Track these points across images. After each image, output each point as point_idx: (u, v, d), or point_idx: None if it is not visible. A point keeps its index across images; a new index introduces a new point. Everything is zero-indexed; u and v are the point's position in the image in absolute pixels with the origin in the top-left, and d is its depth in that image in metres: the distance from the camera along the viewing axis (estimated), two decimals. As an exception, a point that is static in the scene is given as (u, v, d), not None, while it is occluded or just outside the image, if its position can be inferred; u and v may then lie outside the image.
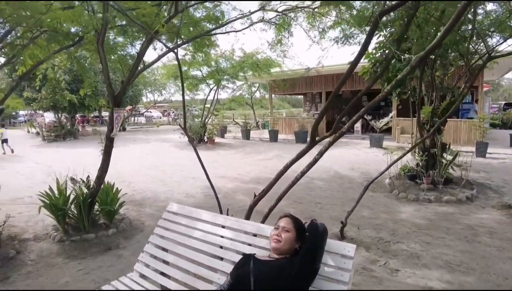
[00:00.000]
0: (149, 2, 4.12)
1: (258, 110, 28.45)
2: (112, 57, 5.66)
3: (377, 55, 5.05)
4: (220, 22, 5.08)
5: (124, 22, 4.45)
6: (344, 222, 4.31)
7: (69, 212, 4.66)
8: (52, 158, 12.41)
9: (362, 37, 5.77)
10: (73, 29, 4.96)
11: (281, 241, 1.89)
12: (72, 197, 4.69)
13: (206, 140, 15.40)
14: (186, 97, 18.82)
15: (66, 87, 16.63)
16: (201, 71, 14.83)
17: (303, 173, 3.01)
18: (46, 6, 3.57)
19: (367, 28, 4.64)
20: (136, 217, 5.49)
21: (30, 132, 23.91)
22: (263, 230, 2.25)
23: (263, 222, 2.77)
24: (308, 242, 1.84)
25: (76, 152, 13.93)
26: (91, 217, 4.74)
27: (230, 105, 31.08)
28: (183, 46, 6.24)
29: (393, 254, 3.92)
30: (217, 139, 16.39)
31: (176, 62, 13.77)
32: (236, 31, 5.33)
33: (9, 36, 4.74)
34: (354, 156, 11.09)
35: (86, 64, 7.91)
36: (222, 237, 2.40)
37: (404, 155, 4.54)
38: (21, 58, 5.13)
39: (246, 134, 17.36)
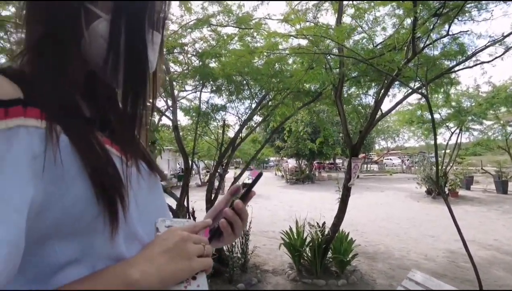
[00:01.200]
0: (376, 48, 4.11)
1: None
2: (347, 107, 5.95)
3: None
4: (463, 56, 4.41)
5: (356, 74, 4.61)
6: None
7: (304, 254, 4.97)
8: (293, 199, 14.04)
9: None
10: (312, 87, 5.56)
11: None
12: (308, 240, 5.01)
13: (447, 193, 13.37)
14: (421, 143, 17.28)
15: (307, 137, 18.82)
16: (439, 114, 13.35)
17: None
18: (291, 72, 4.19)
19: None
20: (367, 271, 5.22)
21: (276, 175, 28.27)
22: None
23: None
24: None
25: (313, 195, 15.22)
26: (323, 263, 4.88)
27: (474, 150, 26.15)
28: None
29: None
30: (461, 192, 13.95)
31: (409, 108, 13.14)
32: (483, 63, 4.46)
33: (264, 99, 5.82)
34: None
35: (324, 116, 8.69)
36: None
37: None
38: (273, 116, 6.19)
39: (502, 187, 13.83)
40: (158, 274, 0.54)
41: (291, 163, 26.48)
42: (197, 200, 7.27)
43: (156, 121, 6.50)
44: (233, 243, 5.02)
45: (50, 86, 0.54)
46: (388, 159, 37.19)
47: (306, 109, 6.50)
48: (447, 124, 13.40)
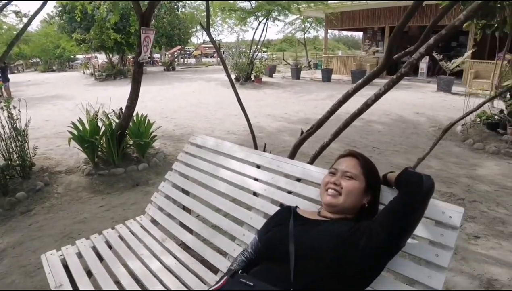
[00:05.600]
0: None
1: (311, 52, 26.44)
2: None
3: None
4: None
5: None
6: (412, 172, 3.50)
7: (99, 145, 4.33)
8: (99, 95, 12.43)
9: None
10: None
11: (341, 193, 1.17)
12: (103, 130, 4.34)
13: (253, 79, 14.52)
14: (233, 38, 17.80)
15: (111, 26, 16.09)
16: (249, 1, 13.53)
17: (361, 110, 2.08)
18: None
19: None
20: (172, 152, 5.18)
21: (85, 74, 24.55)
22: (310, 173, 1.58)
23: (311, 163, 2.08)
24: (398, 199, 1.09)
25: (123, 89, 13.87)
26: (121, 151, 4.39)
27: (281, 46, 29.36)
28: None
29: (470, 215, 3.11)
30: (265, 79, 15.50)
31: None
32: None
33: None
34: (419, 100, 9.73)
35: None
36: (256, 180, 1.78)
37: (496, 96, 3.55)
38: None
39: (296, 74, 16.10)
40: None
41: (101, 58, 23.34)
42: None
43: None
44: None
45: None
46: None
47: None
48: (256, 13, 13.85)
